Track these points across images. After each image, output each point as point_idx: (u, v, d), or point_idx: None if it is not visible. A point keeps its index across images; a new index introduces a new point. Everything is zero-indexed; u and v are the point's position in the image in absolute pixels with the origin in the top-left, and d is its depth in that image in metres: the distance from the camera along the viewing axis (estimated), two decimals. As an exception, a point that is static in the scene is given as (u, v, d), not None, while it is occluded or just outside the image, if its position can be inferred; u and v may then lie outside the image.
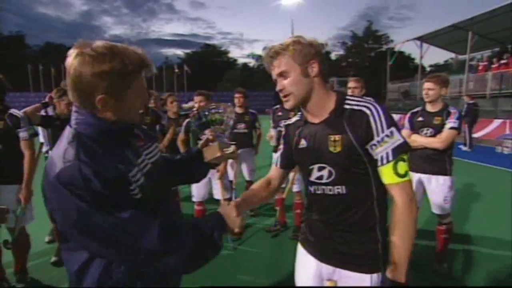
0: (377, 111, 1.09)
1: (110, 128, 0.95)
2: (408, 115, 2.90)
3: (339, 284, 1.22)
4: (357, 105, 1.13)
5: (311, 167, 1.22)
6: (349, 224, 1.18)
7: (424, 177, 2.79)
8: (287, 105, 1.18)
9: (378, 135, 1.07)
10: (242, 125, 4.11)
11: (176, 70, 42.72)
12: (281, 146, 1.38)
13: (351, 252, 1.19)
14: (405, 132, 2.87)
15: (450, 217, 2.82)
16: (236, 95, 4.16)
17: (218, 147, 1.22)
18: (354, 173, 1.12)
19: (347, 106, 1.14)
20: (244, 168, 4.28)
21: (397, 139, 1.06)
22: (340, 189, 1.16)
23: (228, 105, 1.28)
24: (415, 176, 2.82)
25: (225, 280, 2.75)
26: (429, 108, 2.77)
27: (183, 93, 41.46)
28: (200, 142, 1.30)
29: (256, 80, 52.97)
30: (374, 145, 1.08)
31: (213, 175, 3.43)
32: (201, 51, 64.21)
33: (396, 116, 3.76)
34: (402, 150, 1.06)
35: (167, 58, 75.76)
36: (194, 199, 3.55)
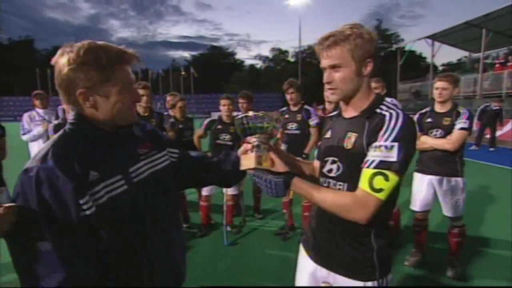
0: (396, 120, 1.05)
1: (91, 129, 0.95)
2: (416, 116, 2.88)
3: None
4: (387, 110, 1.11)
5: (326, 158, 1.23)
6: (343, 226, 1.15)
7: (434, 179, 2.77)
8: (331, 98, 1.16)
9: (379, 141, 1.04)
10: None
11: (183, 73, 43.17)
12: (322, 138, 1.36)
13: (344, 257, 1.18)
14: None
15: (463, 220, 2.79)
16: (240, 100, 4.03)
17: (254, 159, 1.12)
18: (356, 173, 1.10)
19: (378, 111, 1.11)
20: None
21: (391, 155, 1.00)
22: (341, 187, 1.16)
23: (278, 114, 1.20)
24: (425, 178, 2.81)
25: (232, 284, 2.77)
26: (438, 108, 2.75)
27: (190, 95, 41.83)
28: (240, 149, 1.24)
29: (263, 82, 53.10)
30: (371, 147, 1.06)
31: None
32: (207, 53, 64.84)
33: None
34: (388, 167, 1.00)
35: (174, 60, 76.71)
36: (203, 193, 3.79)
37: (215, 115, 4.02)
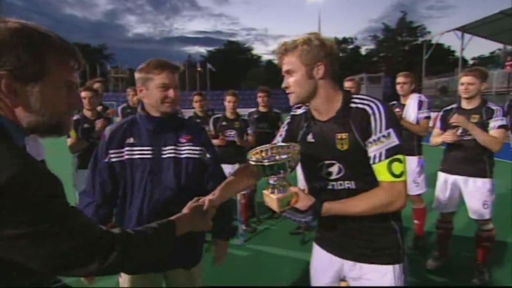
0: (379, 110, 1.16)
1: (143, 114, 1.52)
2: (441, 113, 2.81)
3: (363, 280, 1.28)
4: (362, 103, 1.20)
5: (319, 163, 1.29)
6: (362, 217, 1.22)
7: (460, 179, 2.70)
8: (290, 101, 1.28)
9: (375, 134, 1.14)
10: (265, 125, 4.16)
11: (199, 69, 43.64)
12: (283, 133, 1.45)
13: (369, 245, 1.26)
14: (436, 131, 2.78)
15: (491, 223, 2.69)
16: (260, 94, 4.22)
17: (276, 203, 1.15)
18: (362, 168, 1.20)
19: (352, 105, 1.21)
20: None
21: (392, 141, 1.13)
22: (350, 184, 1.24)
23: (296, 146, 1.21)
24: (450, 178, 2.74)
25: (248, 284, 2.80)
26: (465, 105, 2.65)
27: (206, 91, 42.36)
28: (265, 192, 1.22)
29: (281, 78, 52.80)
30: (370, 143, 1.16)
31: (234, 170, 3.62)
32: (224, 48, 65.18)
33: (432, 115, 3.65)
34: (396, 151, 1.13)
35: (189, 56, 77.55)
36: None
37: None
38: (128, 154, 1.42)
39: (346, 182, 1.24)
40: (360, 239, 1.27)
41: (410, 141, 3.17)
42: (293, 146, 1.22)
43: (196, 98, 4.16)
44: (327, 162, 1.26)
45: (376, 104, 1.18)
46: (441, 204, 2.83)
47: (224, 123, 3.83)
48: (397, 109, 3.33)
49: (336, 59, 1.22)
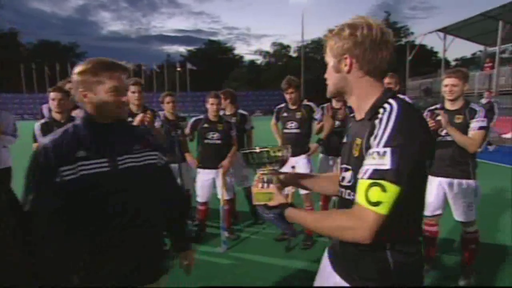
0: (388, 117, 1.00)
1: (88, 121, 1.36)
2: (425, 113, 2.87)
3: None
4: (386, 103, 1.07)
5: (341, 166, 1.24)
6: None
7: (444, 181, 2.77)
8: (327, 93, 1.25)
9: (373, 147, 0.99)
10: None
11: (179, 69, 43.21)
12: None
13: (353, 271, 1.14)
14: None
15: (476, 225, 2.78)
16: (222, 96, 4.09)
17: (254, 196, 1.23)
18: None
19: (381, 110, 1.05)
20: (236, 175, 4.11)
21: (384, 163, 0.94)
22: (354, 196, 1.05)
23: (286, 146, 1.29)
24: (434, 180, 2.80)
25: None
26: (449, 106, 2.74)
27: (186, 92, 41.84)
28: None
29: (264, 78, 53.10)
30: (367, 154, 1.02)
31: (218, 175, 3.73)
32: (205, 47, 64.82)
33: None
34: (382, 176, 0.94)
35: (169, 55, 76.94)
36: (198, 199, 3.86)
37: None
38: (82, 170, 1.25)
39: (352, 193, 1.09)
40: (347, 260, 1.16)
41: None
42: (286, 148, 1.27)
43: (168, 99, 3.99)
44: (345, 166, 1.19)
45: (390, 110, 1.01)
46: (428, 207, 2.87)
47: (206, 125, 3.78)
48: None
49: (373, 51, 1.07)
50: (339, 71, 1.14)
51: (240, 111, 4.41)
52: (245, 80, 50.95)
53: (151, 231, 1.42)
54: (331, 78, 1.18)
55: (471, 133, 2.60)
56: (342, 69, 1.13)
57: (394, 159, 0.93)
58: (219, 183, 3.80)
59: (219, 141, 3.75)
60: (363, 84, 1.13)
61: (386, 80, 3.40)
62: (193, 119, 3.95)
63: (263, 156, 1.22)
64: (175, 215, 1.61)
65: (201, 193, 3.83)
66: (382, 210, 0.94)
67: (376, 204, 0.94)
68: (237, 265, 3.28)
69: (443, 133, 2.71)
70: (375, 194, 0.94)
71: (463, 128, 2.62)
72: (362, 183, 0.98)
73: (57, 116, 3.20)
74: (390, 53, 1.09)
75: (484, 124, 2.57)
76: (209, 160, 3.78)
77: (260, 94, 41.63)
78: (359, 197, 0.98)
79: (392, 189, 0.93)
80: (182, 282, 2.88)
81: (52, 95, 3.10)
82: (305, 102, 3.88)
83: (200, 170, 3.85)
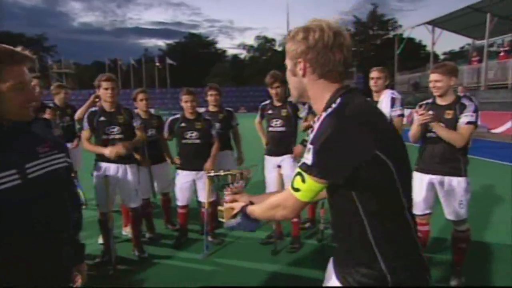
0: (320, 122, 1.08)
1: None
2: (417, 108, 2.90)
3: None
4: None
5: None
6: (345, 242, 1.21)
7: (435, 178, 2.80)
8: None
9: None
10: (217, 125, 4.06)
11: (157, 64, 42.58)
12: None
13: (350, 274, 1.16)
14: (413, 126, 2.87)
15: (467, 223, 2.83)
16: (211, 92, 4.15)
17: (222, 214, 1.45)
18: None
19: (329, 110, 1.12)
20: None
21: (308, 158, 1.07)
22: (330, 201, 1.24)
23: (248, 172, 1.53)
24: (425, 178, 2.83)
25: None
26: (439, 101, 2.77)
27: (166, 89, 41.30)
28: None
29: (247, 73, 53.02)
30: None
31: (198, 177, 3.74)
32: (185, 41, 64.07)
33: (406, 111, 3.86)
34: (305, 169, 1.08)
35: (146, 50, 75.67)
36: (178, 203, 3.85)
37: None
38: None
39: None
40: (349, 268, 1.17)
41: None
42: (247, 171, 1.51)
43: (140, 96, 4.00)
44: None
45: (326, 114, 1.09)
46: (416, 206, 2.90)
47: (183, 124, 3.73)
48: None
49: (326, 54, 1.12)
50: (295, 75, 1.21)
51: (227, 108, 4.40)
52: (228, 76, 50.71)
53: (58, 243, 1.29)
54: (290, 82, 1.25)
55: (459, 127, 2.63)
56: (298, 72, 1.19)
57: (314, 156, 1.05)
58: (200, 185, 3.78)
59: (198, 141, 3.70)
60: (318, 87, 1.18)
61: (376, 74, 3.42)
62: (169, 119, 3.89)
63: (227, 178, 1.48)
64: (72, 222, 1.46)
65: (180, 196, 3.81)
66: (300, 196, 1.11)
67: (297, 190, 1.11)
68: (220, 272, 3.24)
69: (434, 130, 2.73)
70: (297, 182, 1.11)
71: (454, 124, 2.65)
72: (295, 171, 1.13)
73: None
74: (345, 56, 1.14)
75: (472, 119, 2.61)
76: (189, 161, 3.73)
77: (244, 90, 41.55)
78: (291, 182, 1.15)
79: (310, 182, 1.08)
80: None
81: None
82: (290, 99, 3.86)
83: (179, 172, 3.81)
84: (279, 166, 3.68)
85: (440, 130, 2.65)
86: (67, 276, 1.39)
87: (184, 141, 3.73)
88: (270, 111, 3.78)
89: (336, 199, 1.18)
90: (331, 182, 1.08)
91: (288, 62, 1.22)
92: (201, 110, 4.22)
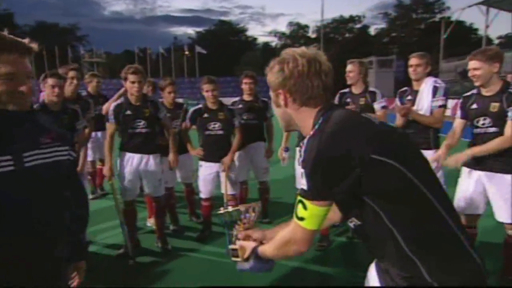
0: (307, 144, 1.10)
1: None
2: (460, 100, 2.77)
3: None
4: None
5: None
6: (382, 254, 1.20)
7: (484, 175, 2.64)
8: None
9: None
10: (251, 115, 4.07)
11: (186, 52, 43.35)
12: None
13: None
14: (457, 121, 2.73)
15: (522, 227, 2.64)
16: (245, 80, 4.13)
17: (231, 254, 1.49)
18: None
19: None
20: (255, 167, 4.29)
21: (304, 183, 1.10)
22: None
23: (256, 205, 1.54)
24: (473, 174, 2.70)
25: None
26: (484, 91, 2.59)
27: (194, 78, 42.02)
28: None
29: (279, 62, 52.60)
30: None
31: (222, 169, 3.76)
32: (215, 29, 64.80)
33: (452, 102, 3.61)
34: (303, 195, 1.11)
35: (176, 38, 77.08)
36: (201, 195, 3.91)
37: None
38: None
39: None
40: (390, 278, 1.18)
41: (425, 133, 3.11)
42: (255, 207, 1.52)
43: (169, 89, 4.02)
44: None
45: (310, 135, 1.13)
46: (464, 204, 2.77)
47: (205, 115, 3.73)
48: (408, 97, 3.23)
49: (303, 82, 1.16)
50: (279, 106, 1.28)
51: (262, 98, 4.32)
52: (259, 64, 50.62)
53: (52, 238, 1.31)
54: (276, 113, 1.33)
55: (508, 123, 2.43)
56: (280, 103, 1.25)
57: (307, 179, 1.09)
58: (224, 178, 3.79)
59: (221, 132, 3.71)
60: (302, 115, 1.23)
61: (415, 61, 3.20)
62: (192, 109, 3.90)
63: (237, 214, 1.50)
64: (76, 219, 1.50)
65: (204, 189, 3.84)
66: (306, 224, 1.12)
67: (301, 219, 1.12)
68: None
69: (480, 124, 2.59)
70: (300, 210, 1.12)
71: (501, 118, 2.48)
72: (296, 200, 1.15)
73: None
74: (323, 81, 1.17)
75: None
76: (212, 152, 3.74)
77: (275, 79, 41.28)
78: (294, 213, 1.16)
79: (310, 207, 1.10)
80: (184, 283, 2.91)
81: (50, 81, 3.08)
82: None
83: (202, 163, 3.83)
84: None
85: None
86: (62, 274, 1.40)
87: (207, 132, 3.74)
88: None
89: (359, 216, 1.15)
90: (333, 200, 1.12)
91: (271, 94, 1.28)
92: (235, 99, 4.26)
